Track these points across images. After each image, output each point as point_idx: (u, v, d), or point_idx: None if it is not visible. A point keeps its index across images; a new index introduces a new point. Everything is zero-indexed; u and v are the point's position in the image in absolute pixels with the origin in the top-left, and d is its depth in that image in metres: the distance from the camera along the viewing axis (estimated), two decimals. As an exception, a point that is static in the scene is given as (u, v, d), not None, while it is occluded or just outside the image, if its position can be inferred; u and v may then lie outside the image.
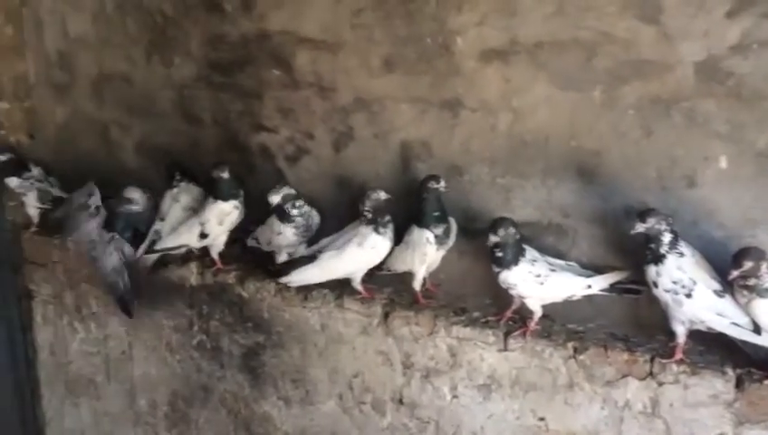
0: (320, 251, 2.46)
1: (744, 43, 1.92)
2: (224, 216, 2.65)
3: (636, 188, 2.15)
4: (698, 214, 2.08)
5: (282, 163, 2.76)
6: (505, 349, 2.27)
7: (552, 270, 2.17)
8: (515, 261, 2.17)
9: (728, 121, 1.99)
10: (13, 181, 3.12)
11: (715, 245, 2.05)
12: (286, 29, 2.61)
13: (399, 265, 2.46)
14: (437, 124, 2.41)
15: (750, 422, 1.96)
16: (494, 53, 2.25)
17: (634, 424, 2.11)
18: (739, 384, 1.97)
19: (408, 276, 2.46)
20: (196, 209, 2.76)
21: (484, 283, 2.40)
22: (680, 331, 2.04)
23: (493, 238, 2.15)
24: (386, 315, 2.47)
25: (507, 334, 2.27)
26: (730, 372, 1.99)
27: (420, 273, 2.42)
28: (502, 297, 2.34)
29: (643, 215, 1.99)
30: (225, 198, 2.65)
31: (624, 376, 2.11)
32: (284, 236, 2.54)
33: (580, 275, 2.18)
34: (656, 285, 2.01)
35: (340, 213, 2.58)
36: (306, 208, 2.54)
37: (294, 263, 2.51)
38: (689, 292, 1.97)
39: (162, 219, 2.80)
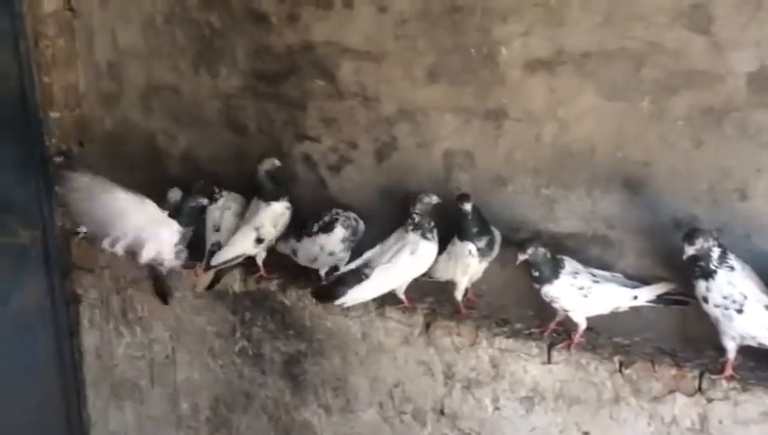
0: (366, 265, 2.39)
1: (798, 52, 1.88)
2: (278, 217, 2.63)
3: (685, 200, 2.11)
4: (750, 227, 2.03)
5: (324, 172, 2.79)
6: (549, 361, 2.24)
7: (596, 282, 2.15)
8: (554, 275, 2.15)
9: (782, 133, 1.95)
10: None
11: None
12: (330, 40, 2.63)
13: (442, 274, 2.46)
14: (481, 134, 2.41)
15: (802, 441, 1.91)
16: (539, 63, 2.24)
17: (682, 441, 2.07)
18: (791, 402, 1.92)
19: (449, 286, 2.46)
20: (241, 217, 2.77)
21: (527, 294, 2.38)
22: (730, 346, 1.99)
23: (521, 257, 2.15)
24: (427, 325, 2.47)
25: (551, 347, 2.24)
26: (782, 389, 1.94)
27: (462, 283, 2.42)
28: (544, 309, 2.32)
29: (690, 237, 1.94)
30: (278, 199, 2.64)
31: (672, 392, 2.08)
32: (336, 256, 2.56)
33: (626, 286, 2.15)
34: (706, 300, 1.97)
35: (381, 223, 2.58)
36: (348, 213, 2.56)
37: (344, 281, 2.41)
38: (740, 307, 1.93)
39: (217, 230, 2.80)
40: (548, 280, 2.16)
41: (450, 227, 2.39)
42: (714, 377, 2.01)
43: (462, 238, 2.33)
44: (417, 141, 2.55)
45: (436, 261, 2.42)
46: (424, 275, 2.46)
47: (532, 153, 2.33)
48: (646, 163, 2.15)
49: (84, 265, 3.37)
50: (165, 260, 2.80)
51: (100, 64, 3.29)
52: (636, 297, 2.13)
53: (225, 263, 2.69)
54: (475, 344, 2.37)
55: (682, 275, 2.10)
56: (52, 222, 3.39)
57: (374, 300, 2.54)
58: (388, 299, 2.53)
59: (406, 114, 2.55)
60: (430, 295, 2.57)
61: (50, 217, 3.39)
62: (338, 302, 2.43)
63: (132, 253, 2.79)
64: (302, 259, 2.66)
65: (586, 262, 2.23)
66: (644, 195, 2.18)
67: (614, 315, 2.18)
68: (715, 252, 1.95)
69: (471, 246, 2.31)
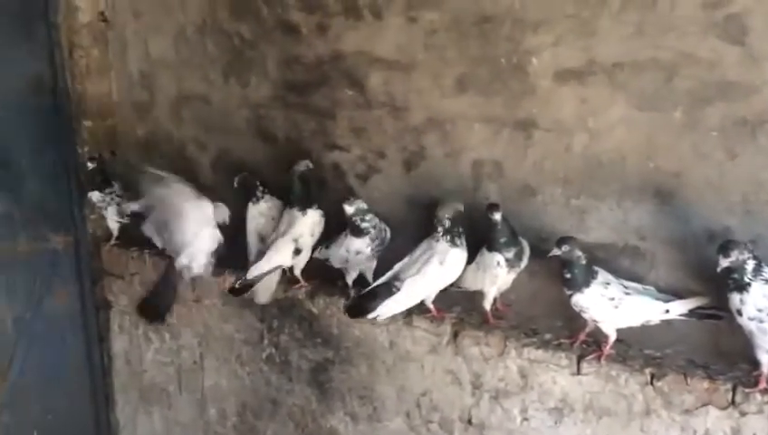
0: (396, 278, 2.39)
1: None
2: (315, 226, 2.62)
3: (718, 211, 2.09)
4: (785, 239, 2.01)
5: (353, 181, 2.80)
6: (579, 372, 2.23)
7: (627, 293, 2.13)
8: (586, 283, 2.14)
9: (818, 144, 1.93)
10: (95, 195, 3.27)
11: (803, 271, 1.97)
12: (360, 50, 2.66)
13: (470, 284, 2.46)
14: (510, 144, 2.41)
15: (839, 457, 1.88)
16: (570, 73, 2.24)
17: (714, 454, 2.04)
18: (828, 417, 1.89)
19: (477, 295, 2.46)
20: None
21: (556, 304, 2.37)
22: (765, 360, 1.97)
23: (555, 252, 2.14)
24: (455, 334, 2.47)
25: (581, 358, 2.23)
26: (818, 403, 1.91)
27: (491, 294, 2.42)
28: (573, 319, 2.31)
29: (725, 249, 1.92)
30: (312, 206, 2.63)
31: (704, 405, 2.05)
32: (363, 254, 2.55)
33: (658, 299, 2.13)
34: (740, 313, 1.95)
35: (409, 232, 2.59)
36: (377, 221, 2.54)
37: (376, 295, 2.40)
38: (775, 320, 1.91)
39: (262, 239, 2.79)
40: (579, 288, 2.15)
41: (479, 237, 2.39)
42: (747, 390, 1.98)
43: (490, 249, 2.33)
44: (446, 151, 2.56)
45: (464, 271, 2.42)
46: (452, 284, 2.47)
47: (562, 163, 2.32)
48: (678, 174, 2.14)
49: (115, 272, 3.42)
50: (194, 268, 2.82)
51: (133, 74, 3.35)
52: (668, 311, 2.11)
53: (261, 276, 2.65)
54: (504, 354, 2.36)
55: (714, 286, 2.07)
56: (84, 229, 3.45)
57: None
58: (415, 308, 2.53)
59: (434, 124, 2.56)
60: (458, 305, 2.57)
61: (81, 224, 3.45)
62: (371, 316, 2.43)
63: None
64: (335, 263, 2.66)
65: (616, 273, 2.21)
66: (676, 206, 2.16)
67: (645, 328, 2.16)
68: (750, 264, 1.92)
69: (499, 257, 2.31)
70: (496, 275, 2.34)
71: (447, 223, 2.35)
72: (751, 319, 1.93)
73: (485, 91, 2.42)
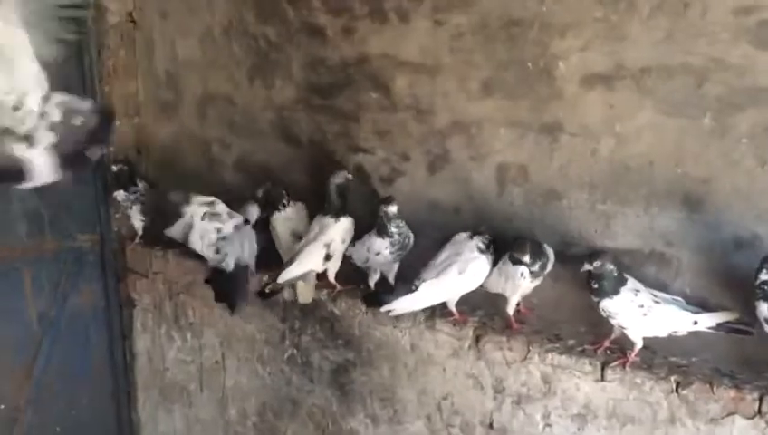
0: (417, 277, 2.41)
1: None
2: (346, 233, 2.63)
3: (747, 218, 2.07)
4: (816, 247, 1.99)
5: (376, 184, 2.81)
6: (602, 379, 2.22)
7: (657, 302, 2.12)
8: (615, 290, 2.13)
9: None
10: (120, 195, 3.30)
11: (835, 280, 1.95)
12: (386, 53, 2.66)
13: (492, 287, 2.45)
14: (536, 148, 2.41)
15: None
16: (597, 77, 2.23)
17: (740, 464, 2.02)
18: None
19: (500, 298, 2.45)
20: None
21: (579, 309, 2.36)
22: (793, 370, 1.95)
23: (586, 266, 2.13)
24: (477, 339, 2.46)
25: (605, 364, 2.22)
26: None
27: (513, 299, 2.41)
28: (597, 325, 2.30)
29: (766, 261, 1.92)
30: (345, 214, 2.63)
31: (730, 414, 2.03)
32: (382, 256, 2.56)
33: (686, 310, 2.11)
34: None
35: (432, 235, 2.59)
36: (405, 228, 2.54)
37: (393, 290, 2.47)
38: (804, 330, 1.88)
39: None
40: (608, 294, 2.14)
41: (501, 242, 2.40)
42: (775, 400, 1.97)
43: (515, 262, 2.31)
44: (471, 154, 2.56)
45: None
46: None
47: (588, 168, 2.31)
48: (706, 180, 2.12)
49: (139, 271, 3.45)
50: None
51: (159, 75, 3.38)
52: (696, 322, 2.08)
53: (292, 280, 2.67)
54: (527, 359, 2.36)
55: (741, 294, 2.06)
56: (109, 228, 3.49)
57: (424, 311, 2.55)
58: (438, 311, 2.54)
59: (459, 127, 2.56)
60: (480, 308, 2.57)
61: (107, 223, 3.48)
62: (384, 308, 2.47)
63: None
64: (357, 261, 2.67)
65: (642, 279, 2.20)
66: (704, 212, 2.14)
67: (671, 336, 2.14)
68: (780, 274, 1.91)
69: (524, 269, 2.30)
70: (519, 286, 2.34)
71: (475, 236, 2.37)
72: (779, 328, 1.91)
73: (512, 95, 2.41)
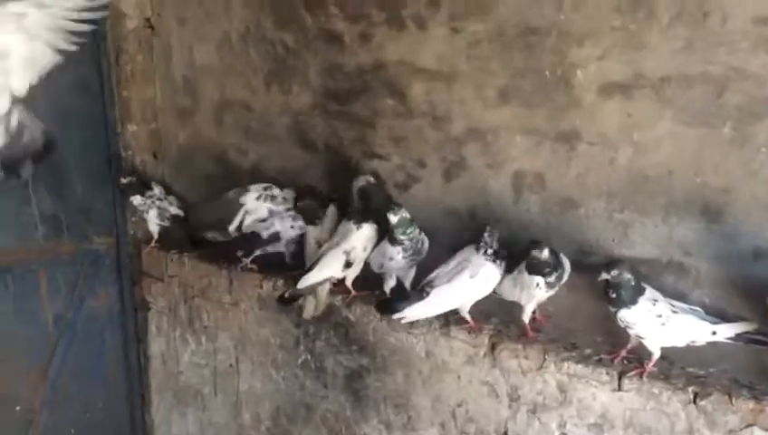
0: (428, 284, 2.41)
1: None
2: (368, 241, 2.62)
3: (766, 229, 2.06)
4: (837, 258, 1.97)
5: (392, 190, 2.81)
6: (619, 389, 2.20)
7: (675, 312, 2.10)
8: (633, 300, 2.12)
9: None
10: (136, 199, 3.32)
11: None
12: (403, 60, 2.67)
13: (506, 295, 2.45)
14: (552, 156, 2.40)
15: None
16: (615, 86, 2.22)
17: (759, 477, 2.00)
18: None
19: (515, 305, 2.45)
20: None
21: (596, 318, 2.36)
22: (813, 382, 1.93)
23: (603, 275, 2.12)
24: (493, 346, 2.46)
25: (622, 374, 2.20)
26: None
27: (529, 308, 2.40)
28: (613, 334, 2.29)
29: None
30: (368, 220, 2.62)
31: (749, 425, 2.01)
32: (395, 261, 2.56)
33: (705, 320, 2.09)
34: (788, 332, 1.92)
35: (447, 241, 2.59)
36: (416, 233, 2.53)
37: (406, 297, 2.46)
38: (825, 341, 1.87)
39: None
40: (625, 304, 2.13)
41: (517, 250, 2.39)
42: (795, 413, 1.95)
43: (531, 272, 2.31)
44: (487, 162, 2.56)
45: (502, 279, 2.41)
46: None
47: (606, 176, 2.30)
48: (726, 190, 2.11)
49: (154, 274, 3.47)
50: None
51: (177, 80, 3.40)
52: (714, 333, 2.07)
53: (312, 286, 2.65)
54: (543, 368, 2.35)
55: (760, 305, 2.04)
56: (125, 231, 3.52)
57: (438, 318, 2.55)
58: (452, 318, 2.54)
59: (476, 134, 2.56)
60: (496, 316, 2.56)
61: (123, 226, 3.51)
62: (396, 316, 2.47)
63: None
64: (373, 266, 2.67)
65: (660, 289, 2.18)
66: (723, 222, 2.13)
67: (689, 346, 2.13)
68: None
69: (539, 280, 2.29)
70: (534, 296, 2.34)
71: (488, 241, 2.35)
72: (800, 340, 1.90)
73: (529, 103, 2.41)
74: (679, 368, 2.20)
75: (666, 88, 2.14)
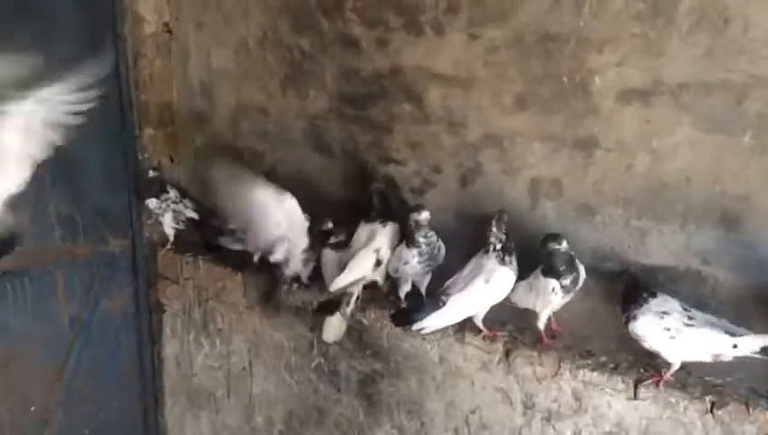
0: (444, 292, 2.40)
1: None
2: (394, 238, 2.60)
3: (787, 237, 2.05)
4: None
5: (407, 195, 2.82)
6: (635, 397, 2.19)
7: (689, 325, 2.06)
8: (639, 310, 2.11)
9: None
10: (152, 202, 3.34)
11: None
12: (420, 65, 2.67)
13: (521, 302, 2.44)
14: (570, 163, 2.40)
15: None
16: (634, 93, 2.22)
17: (777, 488, 1.98)
18: None
19: (530, 313, 2.44)
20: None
21: (611, 325, 2.34)
22: (833, 393, 1.90)
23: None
24: (507, 353, 2.45)
25: (638, 382, 2.19)
26: None
27: (544, 314, 2.39)
28: (628, 342, 2.27)
29: None
30: (392, 218, 2.61)
31: (767, 436, 2.00)
32: (410, 265, 2.55)
33: (727, 331, 2.04)
34: (808, 342, 1.90)
35: (462, 247, 2.58)
36: (434, 239, 2.52)
37: (422, 307, 2.44)
38: None
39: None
40: (633, 316, 2.12)
41: (534, 256, 2.38)
42: (814, 424, 1.93)
43: (546, 275, 2.30)
44: (503, 168, 2.55)
45: (515, 287, 2.40)
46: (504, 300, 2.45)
47: (623, 183, 2.29)
48: (745, 198, 2.09)
49: (169, 276, 3.49)
50: (290, 263, 2.79)
51: (194, 84, 3.43)
52: (736, 346, 2.02)
53: (344, 287, 2.59)
54: (558, 376, 2.34)
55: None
56: (141, 233, 3.53)
57: (452, 324, 2.54)
58: (467, 324, 2.53)
59: (492, 140, 2.56)
60: (509, 323, 2.55)
61: (139, 229, 3.53)
62: (414, 327, 2.46)
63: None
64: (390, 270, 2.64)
65: (678, 298, 2.17)
66: (742, 230, 2.11)
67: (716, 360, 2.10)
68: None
69: (555, 284, 2.27)
70: (550, 301, 2.33)
71: (494, 240, 2.35)
72: (820, 350, 1.87)
73: (546, 110, 2.41)
74: (696, 377, 2.18)
75: (685, 95, 2.13)
